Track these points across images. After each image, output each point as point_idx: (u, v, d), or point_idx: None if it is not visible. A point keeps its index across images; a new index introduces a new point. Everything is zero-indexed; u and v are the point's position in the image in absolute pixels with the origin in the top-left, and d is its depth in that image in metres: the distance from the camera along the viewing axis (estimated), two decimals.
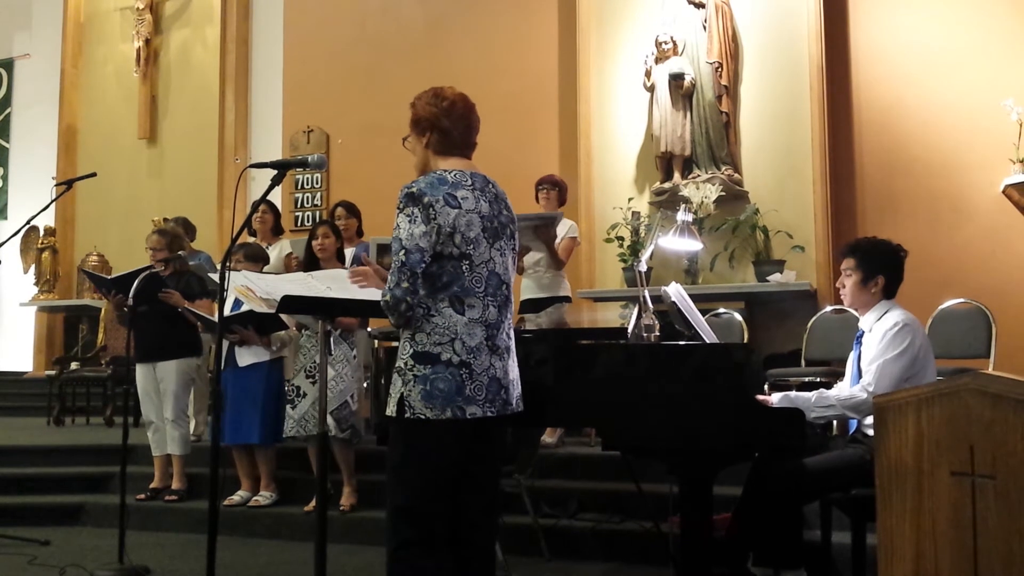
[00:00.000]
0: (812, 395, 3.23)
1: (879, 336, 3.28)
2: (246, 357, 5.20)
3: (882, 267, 3.39)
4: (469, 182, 2.64)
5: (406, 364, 2.58)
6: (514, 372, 2.71)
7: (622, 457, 3.52)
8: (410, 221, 2.54)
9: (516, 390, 2.71)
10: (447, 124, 2.71)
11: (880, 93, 6.91)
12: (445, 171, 2.65)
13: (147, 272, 4.76)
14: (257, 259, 5.33)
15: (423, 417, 2.53)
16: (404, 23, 8.71)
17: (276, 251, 6.09)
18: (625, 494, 4.53)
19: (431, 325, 2.56)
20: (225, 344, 5.26)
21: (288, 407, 4.99)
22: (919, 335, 3.27)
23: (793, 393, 3.30)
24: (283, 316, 4.75)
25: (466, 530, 2.68)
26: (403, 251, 2.52)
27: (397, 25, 8.72)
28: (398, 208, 2.57)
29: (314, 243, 5.11)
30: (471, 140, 2.78)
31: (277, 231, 6.31)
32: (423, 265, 2.53)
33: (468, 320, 2.57)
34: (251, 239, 6.12)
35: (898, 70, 6.86)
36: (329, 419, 4.81)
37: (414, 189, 2.57)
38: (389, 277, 2.56)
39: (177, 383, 5.38)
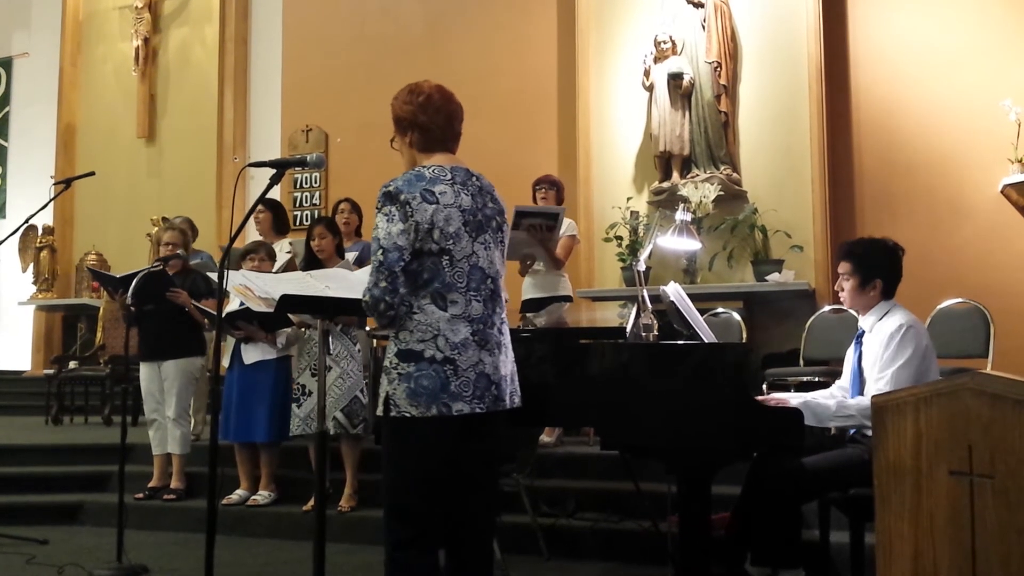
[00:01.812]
0: (832, 404, 3.22)
1: (883, 339, 3.26)
2: (252, 355, 5.20)
3: (879, 270, 3.38)
4: (448, 176, 2.61)
5: (391, 363, 2.58)
6: (507, 368, 2.68)
7: (621, 456, 3.52)
8: (388, 220, 2.52)
9: (509, 386, 2.68)
10: (425, 120, 2.68)
11: (879, 93, 6.91)
12: (423, 167, 2.63)
13: (152, 271, 4.76)
14: (275, 258, 5.39)
15: (408, 415, 2.52)
16: (403, 22, 8.71)
17: (277, 249, 6.07)
18: (624, 493, 4.53)
19: (414, 323, 2.55)
20: (231, 342, 5.26)
21: (294, 405, 4.99)
22: (923, 336, 3.27)
23: (812, 401, 3.28)
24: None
25: (464, 529, 2.67)
26: (381, 250, 2.52)
27: (396, 24, 8.72)
28: (377, 208, 2.56)
29: (312, 244, 5.10)
30: (453, 132, 2.73)
31: (282, 229, 6.28)
32: (402, 263, 2.51)
33: (451, 316, 2.55)
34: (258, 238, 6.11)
35: (897, 70, 6.87)
36: (340, 415, 4.83)
37: (391, 188, 2.56)
38: (368, 277, 2.56)
39: (181, 382, 5.39)
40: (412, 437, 2.56)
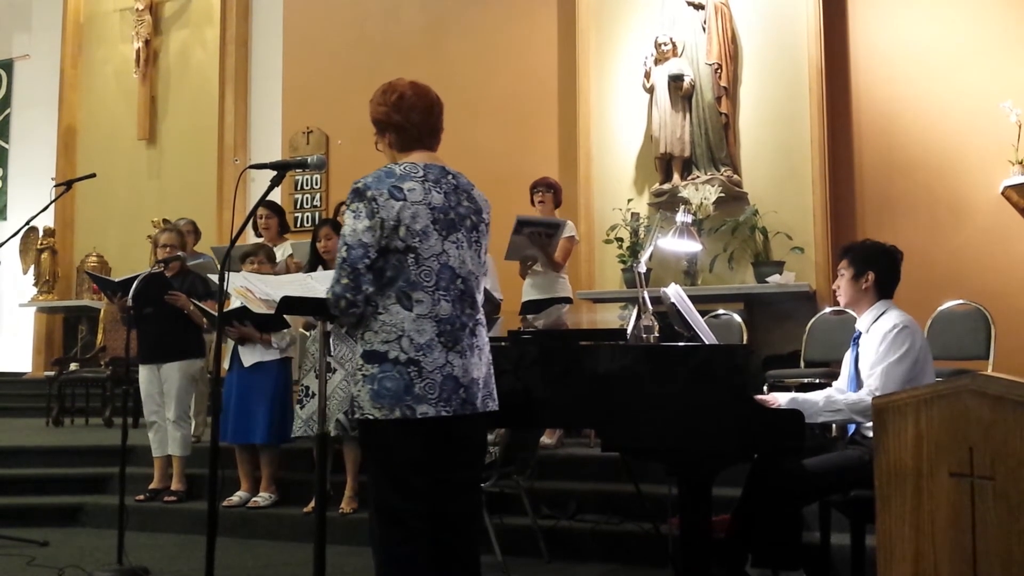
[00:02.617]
0: (820, 399, 3.22)
1: (878, 338, 3.27)
2: (250, 356, 5.19)
3: (872, 263, 3.41)
4: (420, 173, 2.57)
5: (357, 364, 2.56)
6: (480, 371, 2.61)
7: (621, 458, 3.52)
8: (354, 217, 2.51)
9: (483, 390, 2.62)
10: (399, 119, 2.65)
11: (879, 95, 6.91)
12: (395, 164, 2.61)
13: (151, 273, 4.77)
14: (275, 260, 5.39)
15: (371, 417, 2.50)
16: (404, 24, 8.71)
17: (279, 252, 6.08)
18: (624, 495, 4.53)
19: (379, 323, 2.52)
20: (231, 344, 5.26)
21: (297, 407, 4.99)
22: (918, 336, 3.27)
23: (800, 396, 3.28)
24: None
25: (447, 534, 2.60)
26: (345, 247, 2.50)
27: (397, 26, 8.72)
28: (346, 205, 2.55)
29: (318, 244, 5.10)
30: (431, 127, 2.69)
31: (283, 231, 6.31)
32: (366, 261, 2.49)
33: (416, 316, 2.50)
34: (258, 240, 6.12)
35: (897, 72, 6.86)
36: (342, 417, 4.82)
37: (360, 184, 2.54)
38: (332, 274, 2.55)
39: (181, 384, 5.39)
40: (379, 440, 2.53)
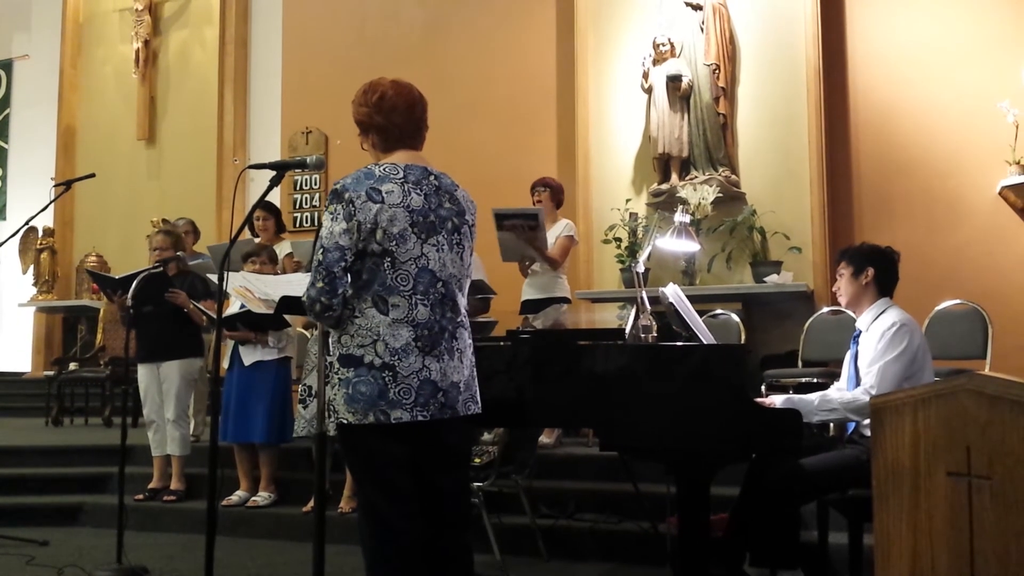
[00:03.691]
0: (815, 398, 3.23)
1: (876, 336, 3.29)
2: (250, 355, 5.20)
3: (870, 260, 3.43)
4: (400, 175, 2.54)
5: (333, 367, 2.53)
6: (460, 375, 2.57)
7: (620, 458, 3.53)
8: (332, 219, 2.49)
9: (464, 393, 2.58)
10: (381, 120, 2.62)
11: (877, 95, 6.92)
12: (375, 165, 2.58)
13: (151, 272, 4.77)
14: (277, 261, 5.40)
15: (345, 422, 2.48)
16: (403, 25, 8.72)
17: (278, 251, 6.09)
18: (623, 494, 4.54)
19: (355, 327, 2.49)
20: (231, 343, 5.28)
21: (300, 407, 4.99)
22: (917, 335, 3.29)
23: (796, 396, 3.30)
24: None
25: (437, 538, 2.58)
26: (321, 250, 2.47)
27: (396, 26, 8.73)
28: (325, 207, 2.53)
29: None
30: (415, 127, 2.65)
31: (280, 231, 6.32)
32: (343, 264, 2.46)
33: (392, 320, 2.47)
34: (255, 241, 6.12)
35: (895, 72, 6.87)
36: None
37: (338, 186, 2.52)
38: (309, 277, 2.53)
39: (180, 383, 5.39)
40: (354, 444, 2.52)
